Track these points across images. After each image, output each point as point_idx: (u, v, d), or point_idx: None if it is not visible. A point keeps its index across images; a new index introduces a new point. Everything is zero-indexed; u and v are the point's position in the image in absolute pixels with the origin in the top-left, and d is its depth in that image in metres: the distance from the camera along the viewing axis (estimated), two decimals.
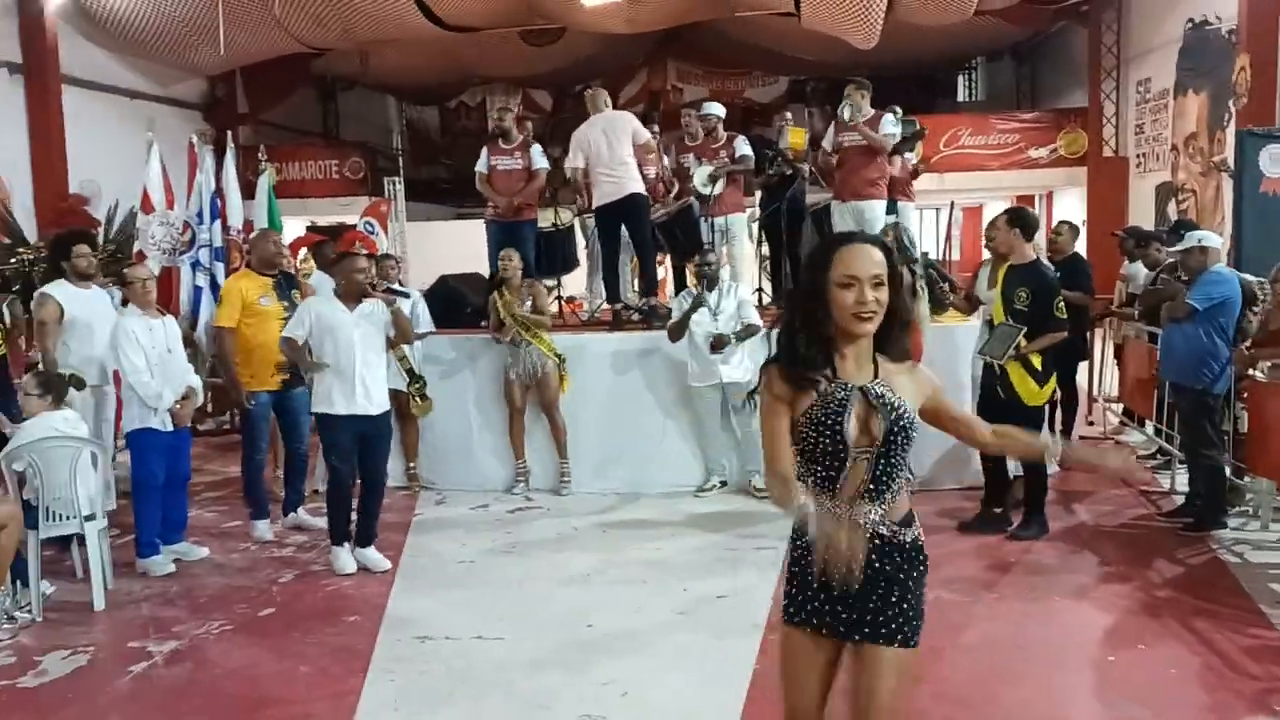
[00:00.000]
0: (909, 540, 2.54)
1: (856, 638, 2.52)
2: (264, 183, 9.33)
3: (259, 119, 17.01)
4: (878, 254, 2.45)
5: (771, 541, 6.02)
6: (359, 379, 5.59)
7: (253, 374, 6.24)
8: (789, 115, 9.45)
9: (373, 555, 5.78)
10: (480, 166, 8.36)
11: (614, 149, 7.52)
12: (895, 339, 2.53)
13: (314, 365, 5.60)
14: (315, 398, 5.73)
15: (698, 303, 6.91)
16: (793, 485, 2.44)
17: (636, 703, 3.97)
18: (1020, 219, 5.98)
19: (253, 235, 7.46)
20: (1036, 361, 5.76)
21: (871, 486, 2.47)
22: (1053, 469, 6.93)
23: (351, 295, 5.67)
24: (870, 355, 2.52)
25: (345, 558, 5.72)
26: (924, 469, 7.17)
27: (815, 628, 2.54)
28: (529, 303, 7.20)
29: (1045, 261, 5.91)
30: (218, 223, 8.82)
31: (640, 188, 7.66)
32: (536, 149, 8.32)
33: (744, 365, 6.94)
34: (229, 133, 10.31)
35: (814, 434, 2.46)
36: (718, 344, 6.80)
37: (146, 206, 9.05)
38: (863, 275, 2.41)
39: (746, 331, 6.89)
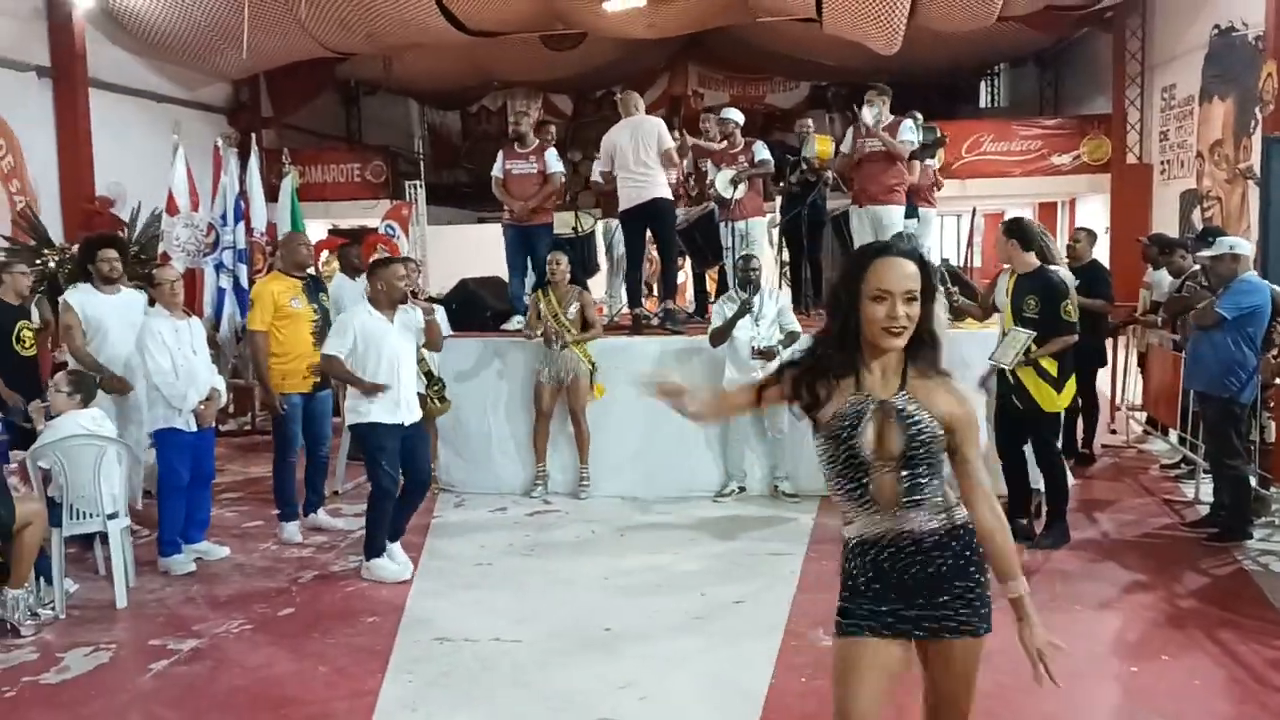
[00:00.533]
0: (961, 523, 2.51)
1: (945, 635, 2.51)
2: (287, 185, 9.40)
3: (283, 123, 17.12)
4: (912, 267, 2.41)
5: (789, 547, 6.02)
6: (402, 388, 5.58)
7: (284, 376, 6.26)
8: (810, 123, 9.42)
9: (400, 554, 5.77)
10: (496, 171, 8.39)
11: (639, 153, 7.54)
12: (926, 352, 2.49)
13: (371, 386, 5.49)
14: (353, 410, 5.62)
15: (745, 308, 6.88)
16: (694, 396, 2.65)
17: (654, 706, 3.96)
18: (1014, 229, 5.96)
19: (282, 238, 7.49)
20: (1050, 367, 5.72)
21: (907, 496, 2.47)
22: (1072, 480, 6.91)
23: (390, 302, 5.63)
24: (899, 368, 2.49)
25: (392, 567, 5.65)
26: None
27: (874, 630, 2.53)
28: (573, 308, 7.19)
29: (1051, 268, 5.87)
30: (241, 225, 8.90)
31: (665, 192, 7.67)
32: (552, 153, 8.33)
33: None
34: (253, 136, 10.36)
35: (831, 446, 2.49)
36: (767, 355, 6.78)
37: (171, 209, 9.14)
38: (896, 290, 2.38)
39: (789, 339, 6.89)
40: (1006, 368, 5.76)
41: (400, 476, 5.66)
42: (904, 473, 2.45)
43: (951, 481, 2.54)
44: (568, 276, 7.30)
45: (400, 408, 5.57)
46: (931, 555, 2.49)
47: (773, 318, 6.95)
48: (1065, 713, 3.94)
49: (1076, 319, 5.77)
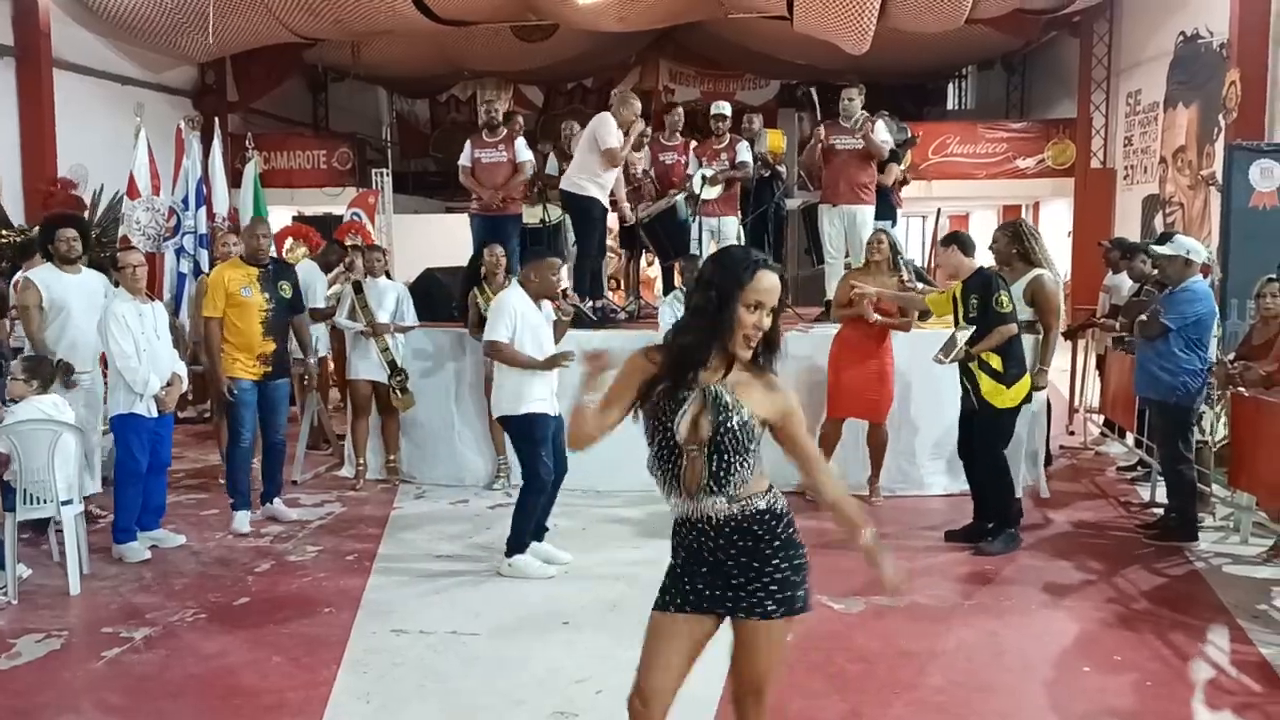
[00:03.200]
0: (762, 508, 2.68)
1: (738, 615, 2.69)
2: (250, 171, 9.30)
3: (249, 107, 16.92)
4: (778, 282, 2.63)
5: None
6: (551, 378, 5.48)
7: (234, 361, 6.21)
8: (759, 119, 9.44)
9: (550, 551, 5.66)
10: (464, 159, 8.33)
11: (582, 146, 7.52)
12: (765, 357, 2.67)
13: (550, 363, 5.37)
14: (507, 399, 5.44)
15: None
16: (585, 419, 2.73)
17: (610, 699, 3.94)
18: (954, 239, 6.10)
19: (246, 226, 7.40)
20: (995, 363, 5.78)
21: (711, 482, 2.62)
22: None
23: (542, 296, 5.55)
24: (726, 361, 2.64)
25: (537, 565, 5.51)
26: (908, 473, 7.20)
27: (681, 606, 2.71)
28: None
29: (988, 267, 6.00)
30: (203, 210, 8.78)
31: (590, 190, 7.55)
32: (521, 142, 8.29)
33: None
34: (216, 120, 10.22)
35: (653, 426, 2.68)
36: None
37: (132, 192, 9.02)
38: (768, 302, 2.58)
39: None
40: (946, 362, 5.86)
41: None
42: (712, 458, 2.60)
43: (763, 470, 2.71)
44: (503, 270, 7.19)
45: (551, 398, 5.48)
46: (732, 539, 2.67)
47: None
48: (1018, 712, 3.98)
49: (1010, 310, 5.82)
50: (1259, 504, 6.07)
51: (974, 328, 5.78)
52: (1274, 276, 5.56)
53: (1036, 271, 6.41)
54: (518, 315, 5.40)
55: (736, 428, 2.59)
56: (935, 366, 6.92)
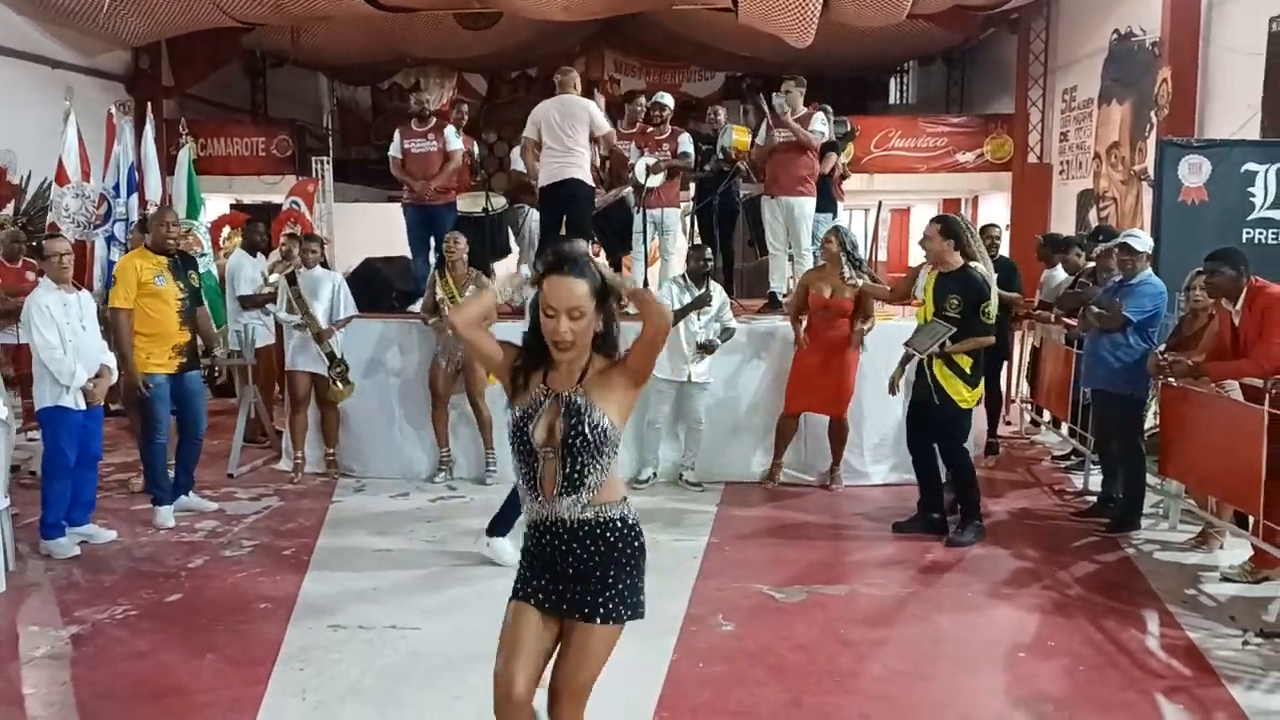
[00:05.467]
0: (616, 517, 2.71)
1: (576, 616, 2.71)
2: (183, 158, 9.08)
3: (185, 93, 16.53)
4: (581, 287, 2.56)
5: (692, 535, 6.05)
6: None
7: (149, 355, 6.06)
8: (723, 111, 9.44)
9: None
10: (393, 150, 8.23)
11: (565, 130, 7.40)
12: (609, 351, 2.69)
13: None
14: None
15: (703, 300, 6.85)
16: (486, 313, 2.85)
17: None
18: (952, 231, 6.00)
19: (151, 214, 7.23)
20: (965, 364, 5.83)
21: (565, 484, 2.64)
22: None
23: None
24: (581, 365, 2.66)
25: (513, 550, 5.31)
26: (854, 463, 7.27)
27: (539, 603, 2.74)
28: (469, 291, 7.07)
29: (974, 265, 5.97)
30: (134, 197, 8.56)
31: (584, 175, 7.48)
32: (450, 130, 8.19)
33: (709, 366, 7.01)
34: (149, 105, 9.97)
35: (514, 433, 2.68)
36: (707, 349, 6.84)
37: (61, 178, 8.78)
38: (560, 307, 2.55)
39: (726, 334, 6.94)
40: (920, 355, 5.86)
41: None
42: (566, 461, 2.62)
43: (618, 480, 2.76)
44: (465, 258, 7.16)
45: None
46: (585, 543, 2.69)
47: (714, 312, 6.97)
48: (955, 698, 4.03)
49: (994, 322, 5.89)
50: (1187, 492, 6.22)
51: (954, 329, 5.76)
52: (1202, 270, 5.68)
53: (970, 265, 6.47)
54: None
55: (588, 432, 2.61)
56: (878, 361, 7.00)
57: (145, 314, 6.03)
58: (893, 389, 6.24)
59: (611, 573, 2.71)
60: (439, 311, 7.01)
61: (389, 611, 4.81)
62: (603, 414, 2.63)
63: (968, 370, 5.85)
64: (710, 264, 7.13)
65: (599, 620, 2.70)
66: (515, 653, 2.72)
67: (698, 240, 9.12)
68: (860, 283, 6.83)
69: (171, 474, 6.42)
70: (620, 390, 2.68)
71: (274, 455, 7.95)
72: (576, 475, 2.64)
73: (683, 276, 7.16)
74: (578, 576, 2.70)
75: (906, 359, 6.09)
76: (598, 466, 2.65)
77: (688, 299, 6.90)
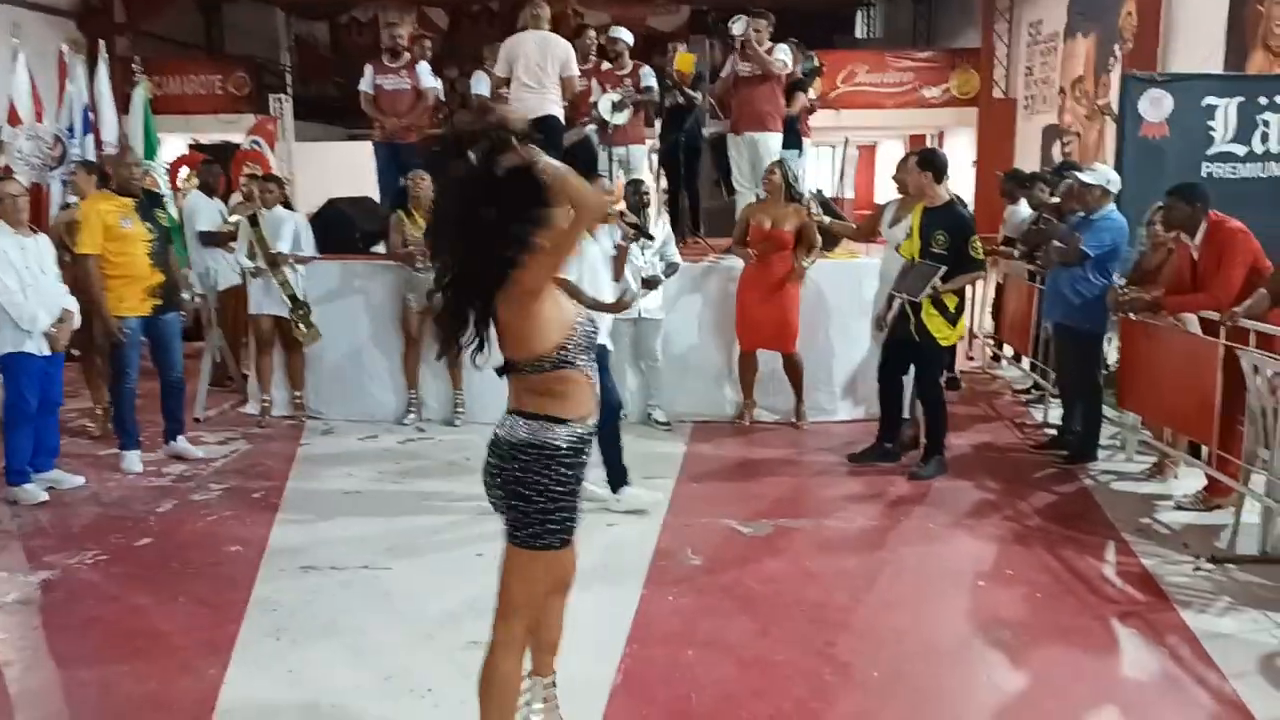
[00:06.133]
0: (517, 439, 2.74)
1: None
2: (138, 97, 8.88)
3: (138, 29, 16.11)
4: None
5: (662, 472, 6.11)
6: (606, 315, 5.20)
7: (121, 299, 5.98)
8: (682, 46, 9.32)
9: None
10: (364, 86, 8.08)
11: (544, 66, 7.29)
12: None
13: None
14: None
15: (642, 234, 6.78)
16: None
17: None
18: (931, 162, 5.98)
19: (113, 156, 7.08)
20: (951, 303, 5.85)
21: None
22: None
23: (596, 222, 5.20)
24: None
25: (646, 494, 5.43)
26: (822, 400, 7.34)
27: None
28: None
29: (961, 201, 5.99)
30: (90, 137, 8.40)
31: (558, 110, 7.42)
32: (424, 67, 8.06)
33: (660, 301, 6.99)
34: (101, 43, 9.70)
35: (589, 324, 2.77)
36: (651, 284, 6.71)
37: (13, 119, 8.59)
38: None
39: (670, 269, 6.88)
40: (918, 300, 5.79)
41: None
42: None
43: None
44: (430, 196, 7.10)
45: (605, 333, 5.21)
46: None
47: (656, 247, 6.93)
48: (916, 625, 4.14)
49: (983, 257, 5.91)
50: (1144, 423, 6.35)
51: (944, 268, 5.72)
52: (1163, 204, 5.73)
53: (957, 199, 6.52)
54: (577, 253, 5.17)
55: None
56: (841, 299, 7.05)
57: (113, 258, 5.94)
58: (879, 326, 6.26)
59: (509, 492, 2.91)
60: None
61: (360, 552, 4.84)
62: None
63: (953, 309, 5.87)
64: (647, 197, 7.06)
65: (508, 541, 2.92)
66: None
67: (663, 179, 9.09)
68: (816, 214, 6.81)
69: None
70: None
71: (241, 399, 7.92)
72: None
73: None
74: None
75: (898, 304, 6.00)
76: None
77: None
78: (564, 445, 2.69)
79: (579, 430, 2.72)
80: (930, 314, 5.84)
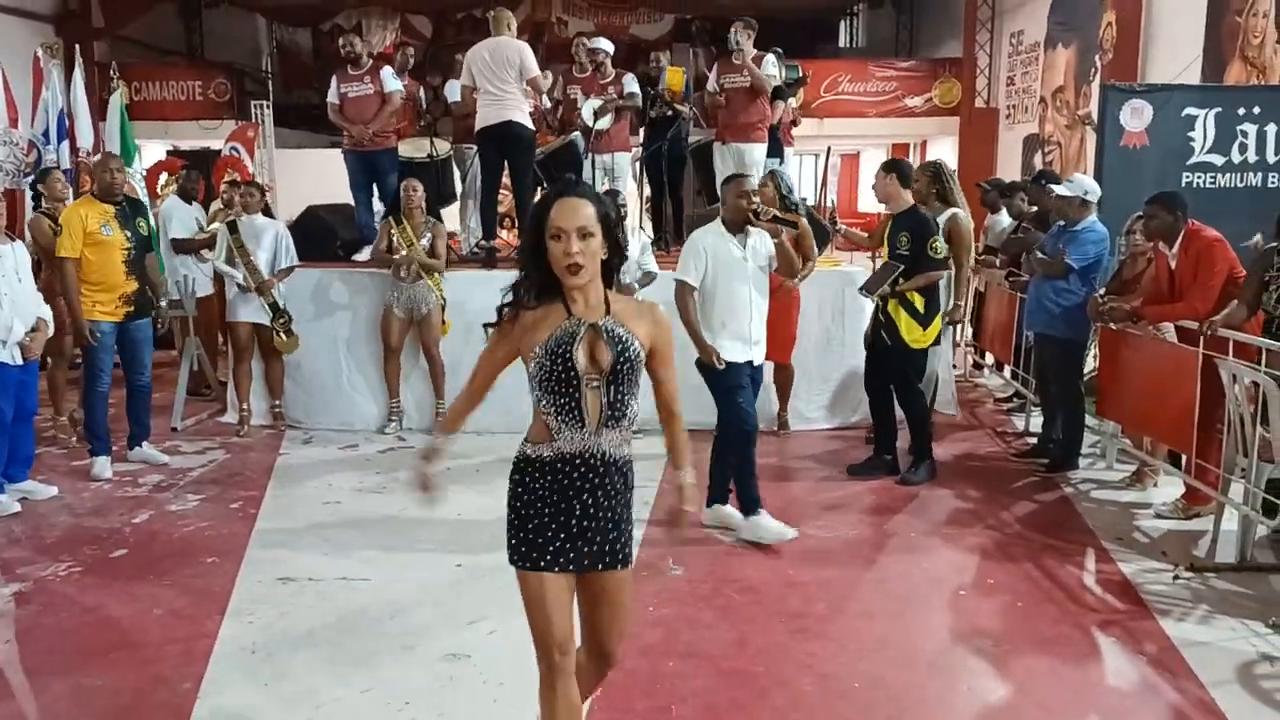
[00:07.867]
0: (630, 455, 2.70)
1: (601, 566, 2.65)
2: (115, 102, 8.82)
3: (116, 34, 16.02)
4: (588, 207, 2.56)
5: (640, 480, 6.05)
6: (752, 322, 5.10)
7: (95, 304, 5.97)
8: (665, 56, 9.34)
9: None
10: (331, 97, 8.03)
11: (498, 72, 7.25)
12: (615, 279, 2.69)
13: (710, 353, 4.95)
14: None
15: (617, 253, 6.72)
16: (458, 420, 2.94)
17: (501, 639, 3.96)
18: (895, 167, 6.15)
19: (95, 161, 7.04)
20: (918, 303, 5.88)
21: (609, 415, 2.60)
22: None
23: (737, 224, 5.09)
24: (602, 296, 2.63)
25: (775, 525, 5.06)
26: (809, 410, 7.34)
27: (562, 567, 2.63)
28: (425, 240, 7.01)
29: (923, 208, 6.07)
30: (65, 143, 8.32)
31: (522, 118, 7.33)
32: (387, 71, 8.01)
33: None
34: (77, 47, 9.64)
35: (548, 361, 2.56)
36: (627, 292, 6.67)
37: None
38: (569, 227, 2.52)
39: (647, 279, 6.84)
40: (872, 298, 5.91)
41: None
42: (610, 390, 2.58)
43: (631, 418, 2.67)
44: (424, 205, 7.10)
45: (750, 345, 5.11)
46: (614, 479, 2.65)
47: (634, 257, 6.90)
48: (897, 634, 4.13)
49: (944, 257, 5.94)
50: (1123, 432, 6.37)
51: (902, 266, 5.81)
52: (1142, 214, 5.76)
53: (953, 210, 6.59)
54: (709, 253, 5.05)
55: (634, 359, 2.59)
56: (824, 308, 7.06)
57: (88, 263, 5.93)
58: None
59: (626, 514, 2.69)
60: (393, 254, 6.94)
61: (338, 563, 4.80)
62: (640, 345, 2.61)
63: (921, 309, 5.89)
64: (623, 208, 7.04)
65: (624, 565, 2.67)
66: (559, 618, 2.64)
67: (647, 187, 9.09)
68: (802, 223, 6.82)
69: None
70: (642, 333, 2.64)
71: (219, 408, 7.85)
72: (620, 406, 2.59)
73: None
74: (597, 520, 2.61)
75: (872, 314, 6.11)
76: (634, 398, 2.63)
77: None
78: (517, 459, 2.72)
79: (528, 452, 2.67)
80: (898, 311, 5.88)
